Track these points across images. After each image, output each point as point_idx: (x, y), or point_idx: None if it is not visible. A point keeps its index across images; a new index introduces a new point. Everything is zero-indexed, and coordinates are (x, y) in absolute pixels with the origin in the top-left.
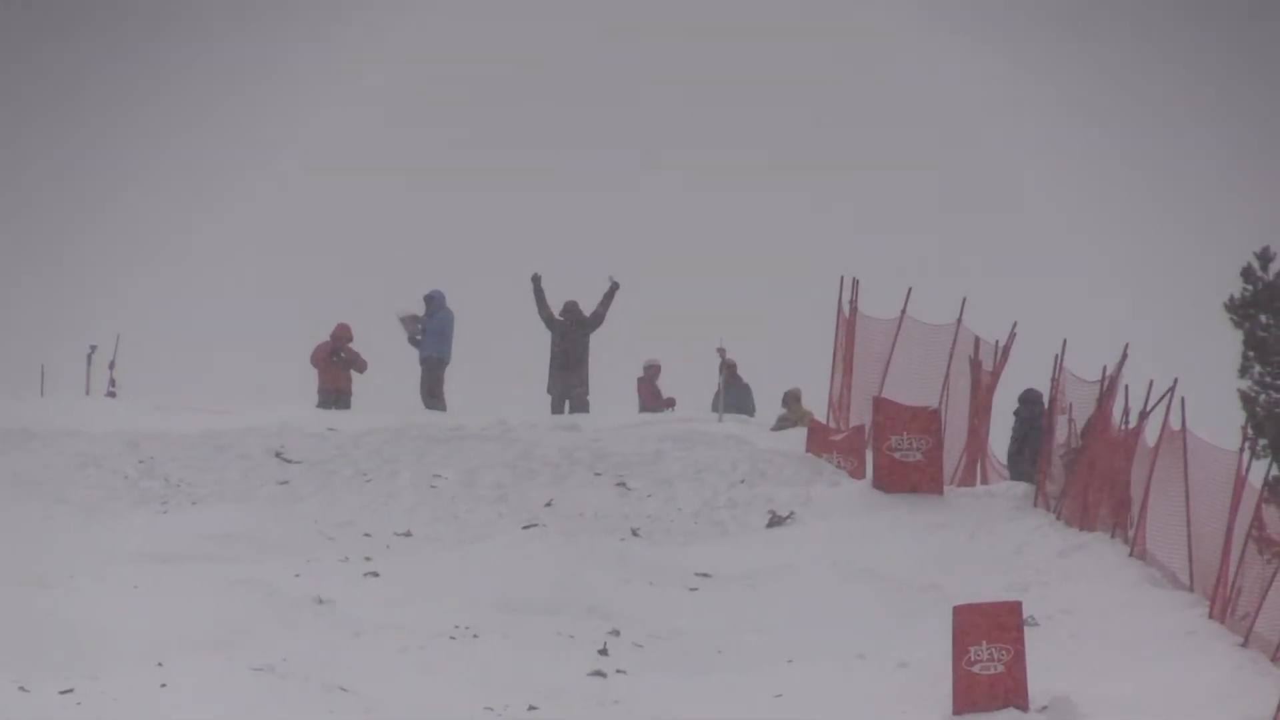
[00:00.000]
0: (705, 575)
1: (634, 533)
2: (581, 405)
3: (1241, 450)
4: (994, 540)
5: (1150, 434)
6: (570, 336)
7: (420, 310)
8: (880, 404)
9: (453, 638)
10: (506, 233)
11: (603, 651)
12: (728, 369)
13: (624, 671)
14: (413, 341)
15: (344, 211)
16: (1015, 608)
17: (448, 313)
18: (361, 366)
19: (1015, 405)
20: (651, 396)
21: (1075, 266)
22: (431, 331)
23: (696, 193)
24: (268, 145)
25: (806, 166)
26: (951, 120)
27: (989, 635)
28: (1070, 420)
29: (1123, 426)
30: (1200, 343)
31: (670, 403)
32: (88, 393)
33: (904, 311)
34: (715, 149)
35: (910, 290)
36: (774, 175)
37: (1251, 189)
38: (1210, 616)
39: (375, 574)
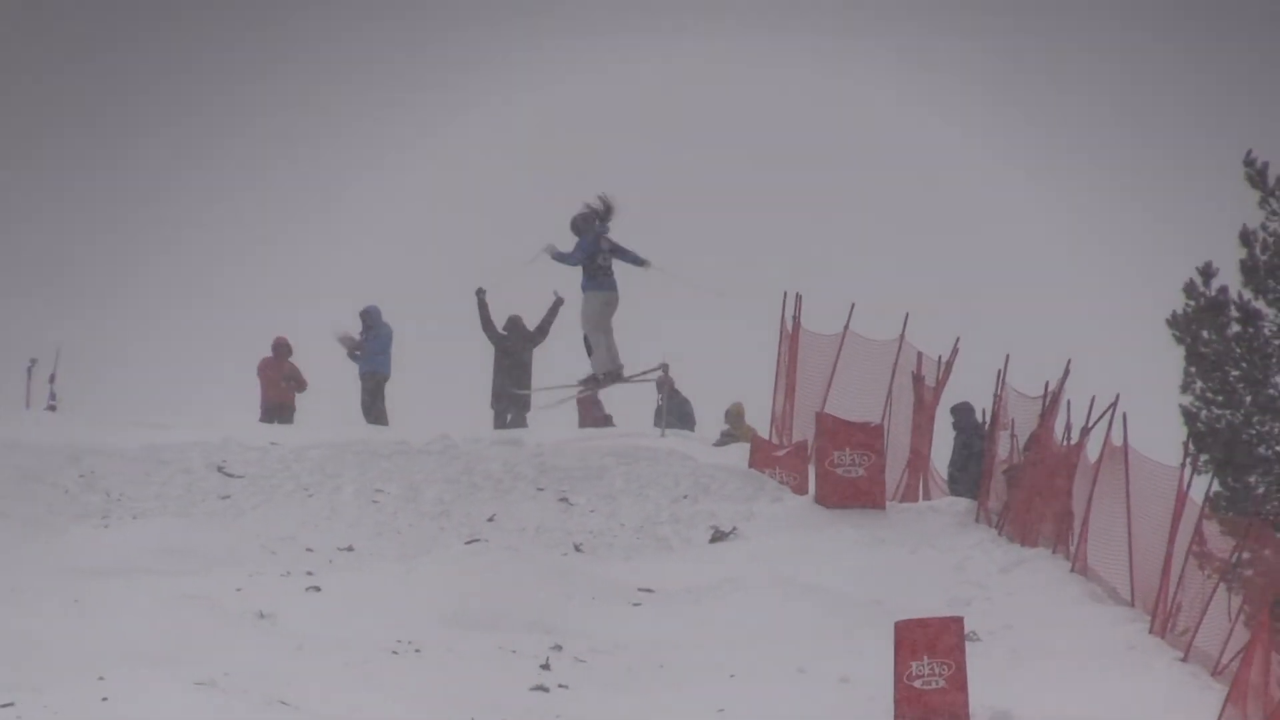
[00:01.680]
0: (648, 590)
1: (577, 548)
2: (520, 420)
3: (1183, 466)
4: (936, 555)
5: (1092, 450)
6: (514, 351)
7: (356, 328)
8: (823, 419)
9: (395, 652)
10: (448, 248)
11: (545, 666)
12: (667, 384)
13: (566, 686)
14: (353, 357)
15: (285, 223)
16: (957, 623)
17: (386, 327)
18: (302, 385)
19: (953, 420)
20: (590, 411)
21: (1018, 282)
22: (370, 347)
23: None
24: (208, 156)
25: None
26: (891, 136)
27: (930, 650)
28: (1012, 436)
29: (1064, 442)
30: (1142, 358)
31: (608, 420)
32: (28, 406)
33: (847, 327)
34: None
35: (853, 306)
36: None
37: (1194, 205)
38: (1151, 632)
39: (317, 588)
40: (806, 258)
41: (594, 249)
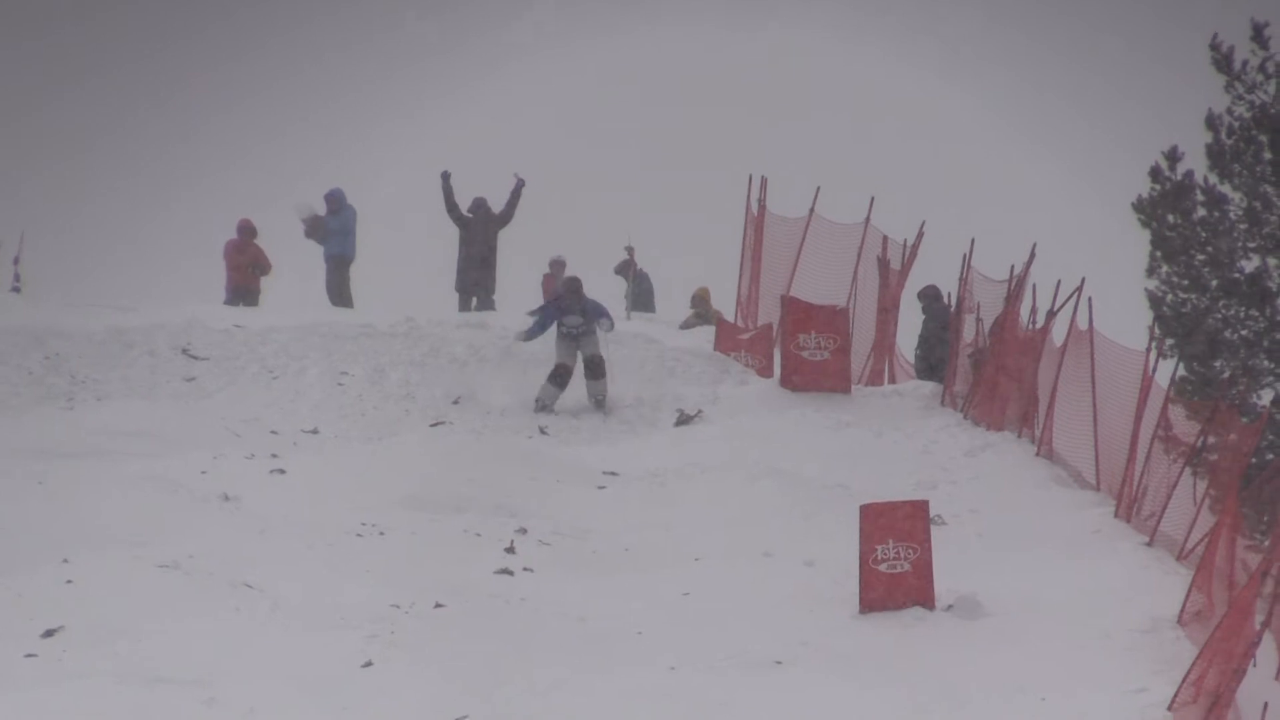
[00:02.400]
0: (613, 474)
1: (541, 430)
2: (487, 303)
3: (1148, 350)
4: (901, 439)
5: (1057, 334)
6: (478, 233)
7: (321, 209)
8: (788, 303)
9: (359, 535)
10: (414, 129)
11: (509, 549)
12: (631, 267)
13: (531, 569)
14: (309, 235)
15: (251, 109)
16: (922, 507)
17: (350, 210)
18: (267, 267)
19: (920, 304)
20: (551, 292)
21: (983, 165)
22: (336, 230)
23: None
24: (179, 46)
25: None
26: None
27: (895, 534)
28: (978, 320)
29: (1030, 326)
30: (1108, 242)
31: None
32: None
33: (812, 210)
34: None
35: (818, 189)
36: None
37: (1160, 90)
38: (1116, 516)
39: (282, 471)
40: (773, 143)
41: (552, 320)
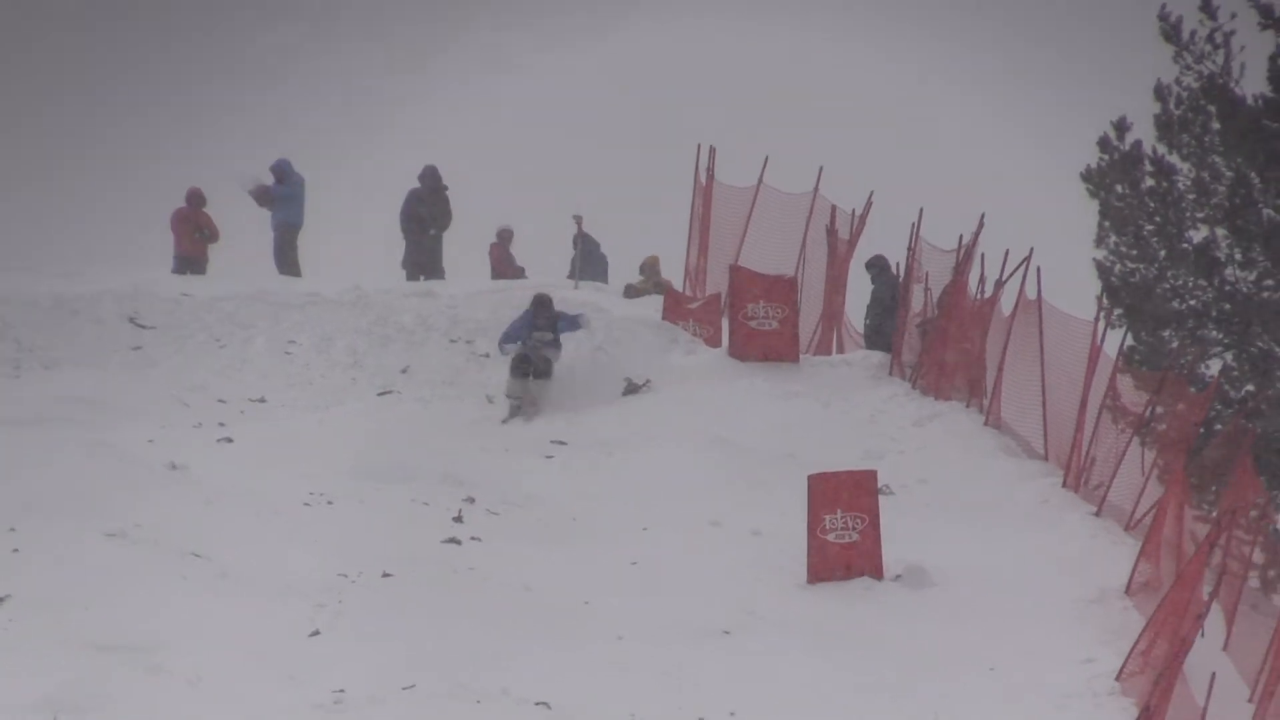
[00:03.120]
0: (561, 443)
1: (489, 399)
2: (437, 272)
3: (1096, 319)
4: (849, 409)
5: (1006, 303)
6: (427, 202)
7: (265, 178)
8: (737, 272)
9: (307, 504)
10: (361, 99)
11: (457, 519)
12: (580, 232)
13: (479, 539)
14: (261, 202)
15: (204, 76)
16: (870, 476)
17: (298, 178)
18: (215, 235)
19: (869, 274)
20: (503, 263)
21: (931, 136)
22: (283, 198)
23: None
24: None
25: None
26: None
27: (844, 504)
28: (926, 289)
29: (978, 296)
30: (1056, 212)
31: (521, 272)
32: None
33: (761, 180)
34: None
35: (767, 159)
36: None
37: (1109, 60)
38: (1064, 486)
39: (229, 440)
40: (723, 112)
41: (524, 333)
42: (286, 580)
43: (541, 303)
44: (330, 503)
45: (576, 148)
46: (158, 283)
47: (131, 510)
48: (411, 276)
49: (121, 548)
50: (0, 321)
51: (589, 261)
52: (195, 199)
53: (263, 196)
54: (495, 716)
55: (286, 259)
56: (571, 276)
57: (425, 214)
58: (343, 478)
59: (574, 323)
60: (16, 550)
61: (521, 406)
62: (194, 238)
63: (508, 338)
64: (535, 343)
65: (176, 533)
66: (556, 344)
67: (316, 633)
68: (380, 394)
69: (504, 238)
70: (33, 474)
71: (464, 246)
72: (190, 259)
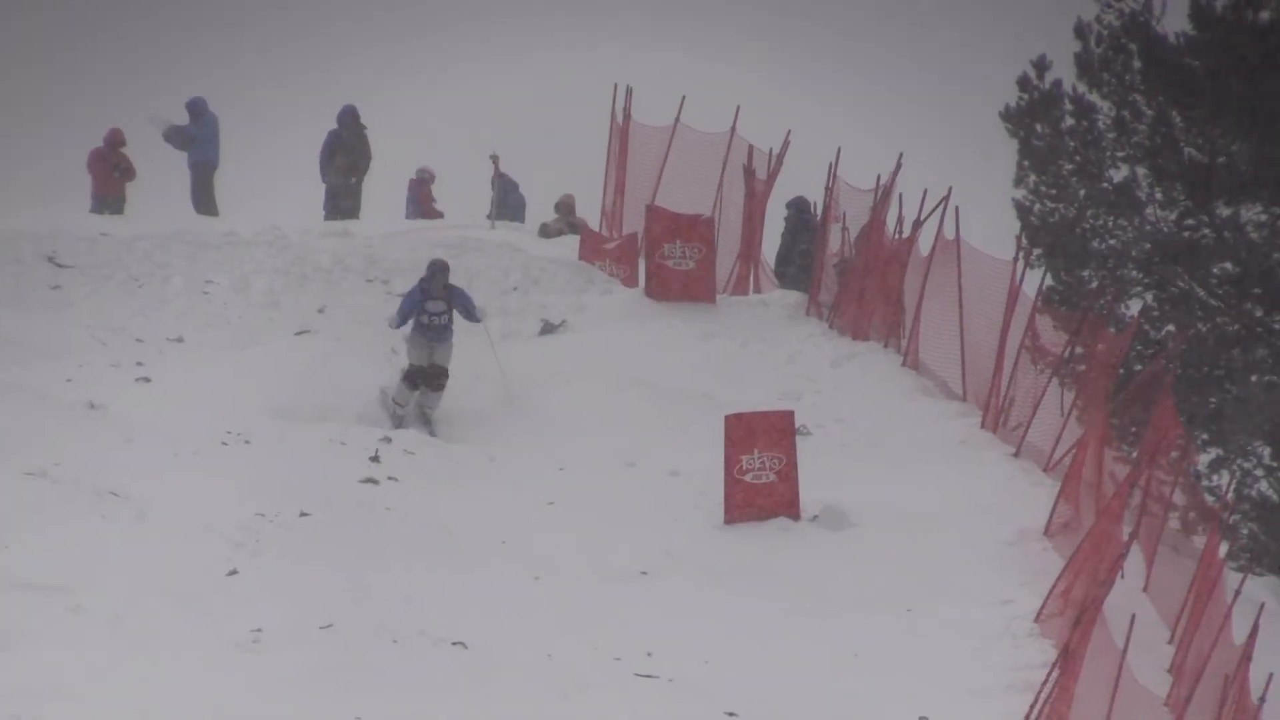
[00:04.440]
0: (476, 378)
1: (394, 351)
2: (355, 215)
3: (1015, 259)
4: (766, 349)
5: (924, 243)
6: (347, 143)
7: (177, 119)
8: (653, 212)
9: (225, 443)
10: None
11: (374, 459)
12: (497, 173)
13: (396, 479)
14: (174, 144)
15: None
16: (787, 417)
17: (212, 117)
18: (132, 175)
19: (785, 214)
20: (424, 200)
21: (849, 73)
22: (199, 137)
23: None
24: None
25: None
26: None
27: (761, 444)
28: (844, 229)
29: (896, 236)
30: (975, 152)
31: (439, 215)
32: None
33: (678, 120)
34: None
35: (684, 99)
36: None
37: None
38: (983, 426)
39: (147, 379)
40: (638, 49)
41: (416, 304)
42: (204, 520)
43: (437, 270)
44: (248, 442)
45: (493, 86)
46: (76, 222)
47: (50, 449)
48: (330, 218)
49: (40, 486)
50: None
51: (506, 202)
52: (114, 139)
53: (176, 137)
54: (412, 656)
55: (203, 199)
56: (489, 217)
57: (344, 156)
58: (260, 417)
59: (470, 311)
60: None
61: (405, 418)
62: (112, 177)
63: (400, 313)
64: (429, 319)
65: (95, 472)
66: (449, 325)
67: (234, 572)
68: (298, 334)
69: (424, 174)
70: None
71: (381, 188)
72: (108, 199)
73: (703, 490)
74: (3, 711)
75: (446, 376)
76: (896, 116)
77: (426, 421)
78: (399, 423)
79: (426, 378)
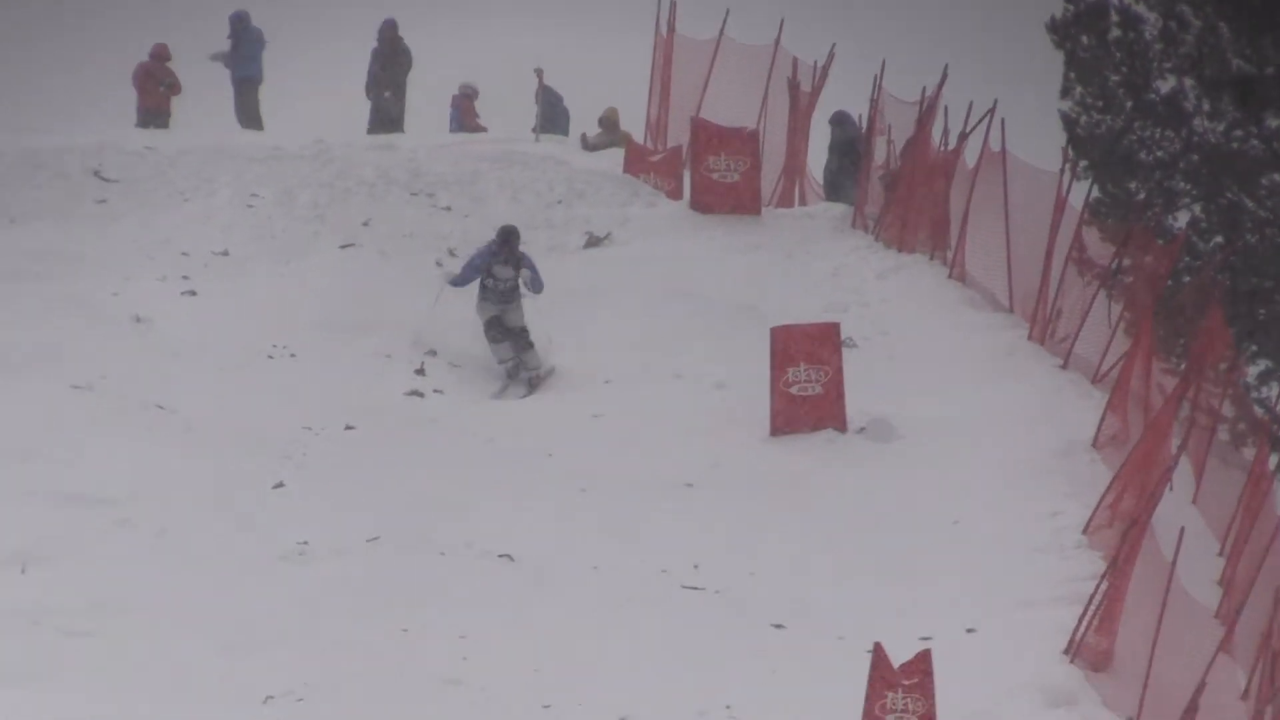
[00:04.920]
0: (521, 295)
1: (451, 253)
2: (398, 125)
3: (1062, 172)
4: (812, 261)
5: (970, 155)
6: (387, 59)
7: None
8: (698, 125)
9: (270, 357)
10: None
11: (419, 371)
12: (541, 85)
13: (441, 391)
14: (221, 60)
15: None
16: (833, 329)
17: (256, 31)
18: (178, 89)
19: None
20: (469, 115)
21: None
22: (242, 53)
23: None
24: None
25: None
26: None
27: (806, 356)
28: (889, 142)
29: (942, 148)
30: (1021, 63)
31: (483, 130)
32: None
33: (722, 32)
34: None
35: (728, 11)
36: None
37: None
38: (1030, 338)
39: (193, 293)
40: None
41: (481, 268)
42: (251, 433)
43: (508, 235)
44: (293, 355)
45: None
46: (122, 137)
47: (97, 363)
48: (374, 133)
49: (87, 400)
50: None
51: (550, 115)
52: (159, 54)
53: (225, 57)
54: (459, 569)
55: (248, 113)
56: (534, 131)
57: (384, 71)
58: (306, 331)
59: (537, 281)
60: None
61: (514, 366)
62: (157, 91)
63: (465, 271)
64: (494, 282)
65: (142, 385)
66: (516, 290)
67: (280, 485)
68: (342, 247)
69: (467, 90)
70: None
71: (424, 103)
72: (154, 112)
73: (748, 403)
74: (50, 626)
75: (527, 333)
76: (941, 28)
77: (533, 386)
78: (510, 374)
79: (508, 334)
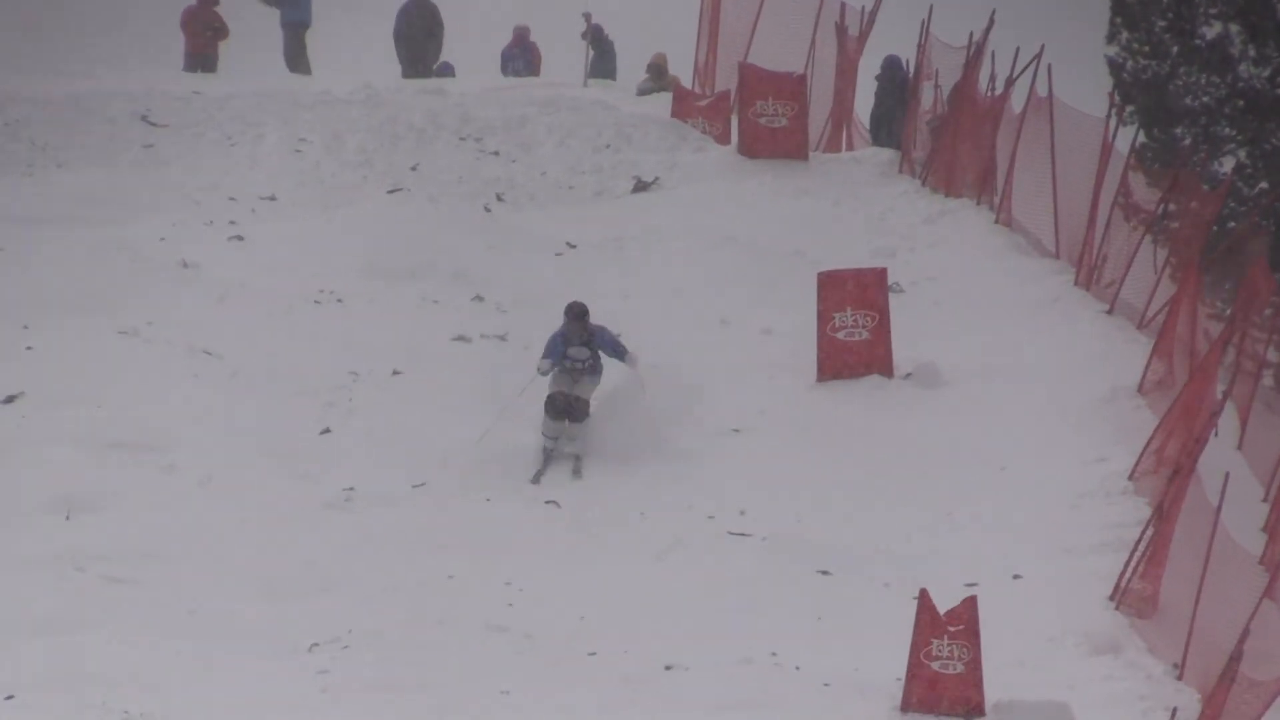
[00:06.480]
0: (571, 245)
1: (499, 197)
2: (445, 69)
3: (1108, 117)
4: (859, 206)
5: (1016, 101)
6: (415, 16)
7: None
8: (745, 70)
9: (317, 302)
10: None
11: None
12: (592, 31)
13: (488, 336)
14: (268, 2)
15: None
16: (880, 274)
17: None
18: (225, 33)
19: (878, 72)
20: (535, 54)
21: None
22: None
23: None
24: None
25: None
26: None
27: (853, 301)
28: (936, 87)
29: (989, 93)
30: (1067, 8)
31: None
32: None
33: None
34: None
35: None
36: None
37: None
38: (1076, 284)
39: (240, 238)
40: None
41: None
42: (298, 378)
43: (575, 314)
44: (340, 301)
45: None
46: (169, 81)
47: (144, 308)
48: (409, 69)
49: (134, 345)
50: (13, 121)
51: (600, 57)
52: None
53: (272, 0)
54: (508, 513)
55: (296, 58)
56: (585, 72)
57: (412, 33)
58: (353, 276)
59: (616, 347)
60: (30, 348)
61: (556, 448)
62: (205, 35)
63: (546, 355)
64: (570, 364)
65: (189, 331)
66: (595, 366)
67: (327, 431)
68: (390, 192)
69: (521, 32)
70: (45, 272)
71: (469, 47)
72: (201, 57)
73: (795, 348)
74: (95, 573)
75: (588, 407)
76: None
77: (575, 461)
78: (548, 457)
79: (568, 407)
